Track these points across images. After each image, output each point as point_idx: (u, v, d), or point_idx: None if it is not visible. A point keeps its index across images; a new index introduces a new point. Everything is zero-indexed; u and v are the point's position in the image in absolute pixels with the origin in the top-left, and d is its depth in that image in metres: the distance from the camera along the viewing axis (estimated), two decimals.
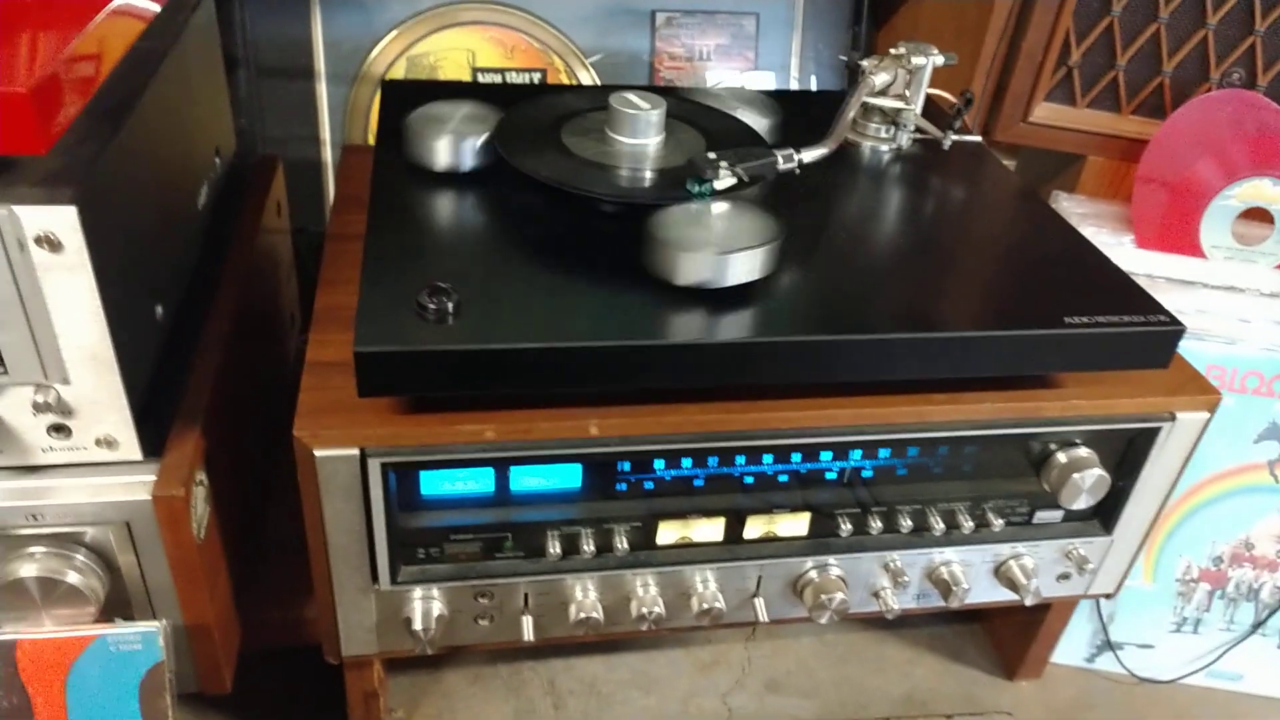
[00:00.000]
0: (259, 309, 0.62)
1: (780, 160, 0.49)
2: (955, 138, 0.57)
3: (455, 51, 0.87)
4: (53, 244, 0.36)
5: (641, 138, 0.51)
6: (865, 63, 0.59)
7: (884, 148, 0.60)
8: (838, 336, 0.43)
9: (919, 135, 0.59)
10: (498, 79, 0.88)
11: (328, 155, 0.87)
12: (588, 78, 0.89)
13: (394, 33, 0.85)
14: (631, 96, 0.51)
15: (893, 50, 0.58)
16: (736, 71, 0.92)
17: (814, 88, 0.93)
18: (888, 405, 0.47)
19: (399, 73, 0.86)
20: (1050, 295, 0.47)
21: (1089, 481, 0.49)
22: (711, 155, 0.48)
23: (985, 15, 0.77)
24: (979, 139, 0.58)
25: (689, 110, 0.56)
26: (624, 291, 0.45)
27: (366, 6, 0.84)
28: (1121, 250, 0.76)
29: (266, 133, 0.85)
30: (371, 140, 0.87)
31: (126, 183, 0.42)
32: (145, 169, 0.46)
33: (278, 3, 0.83)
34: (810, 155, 0.50)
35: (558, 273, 0.46)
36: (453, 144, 0.50)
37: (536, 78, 0.88)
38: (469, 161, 0.51)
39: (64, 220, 0.36)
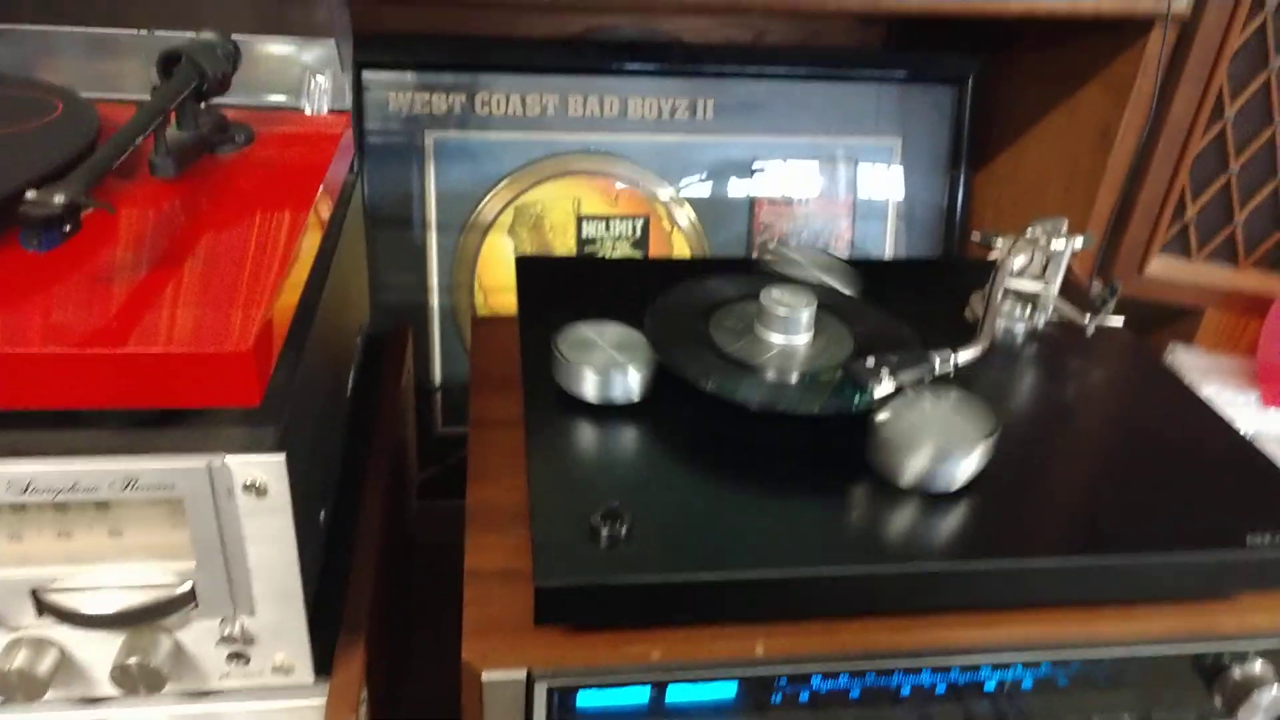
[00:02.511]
0: (396, 480, 0.63)
1: (937, 364, 0.48)
2: (1099, 322, 0.57)
3: (562, 200, 0.89)
4: (259, 490, 0.37)
5: (793, 335, 0.51)
6: (999, 242, 0.59)
7: (1019, 328, 0.59)
8: (1017, 563, 0.42)
9: (1059, 317, 0.59)
10: (602, 226, 0.90)
11: (434, 300, 0.89)
12: (685, 217, 0.91)
13: (503, 183, 0.88)
14: (781, 294, 0.52)
15: (1027, 232, 0.58)
16: (837, 215, 0.93)
17: (914, 230, 0.94)
18: (1055, 622, 0.46)
19: (507, 221, 0.88)
20: (1226, 507, 0.46)
21: (1266, 699, 0.47)
22: (870, 362, 0.48)
23: (1098, 168, 0.77)
24: (1120, 321, 0.57)
25: (830, 297, 0.57)
26: (799, 503, 0.44)
27: (478, 158, 0.87)
28: (1247, 409, 0.75)
29: (376, 280, 0.87)
30: (479, 291, 0.89)
31: (308, 404, 0.43)
32: (319, 381, 0.47)
33: (394, 157, 0.86)
34: (965, 356, 0.50)
35: (724, 486, 0.46)
36: (605, 383, 0.49)
37: (639, 224, 0.90)
38: (620, 397, 0.50)
39: (272, 467, 0.36)
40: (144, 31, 0.58)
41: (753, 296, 0.54)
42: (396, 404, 0.62)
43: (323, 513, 0.47)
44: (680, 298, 0.56)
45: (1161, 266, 0.78)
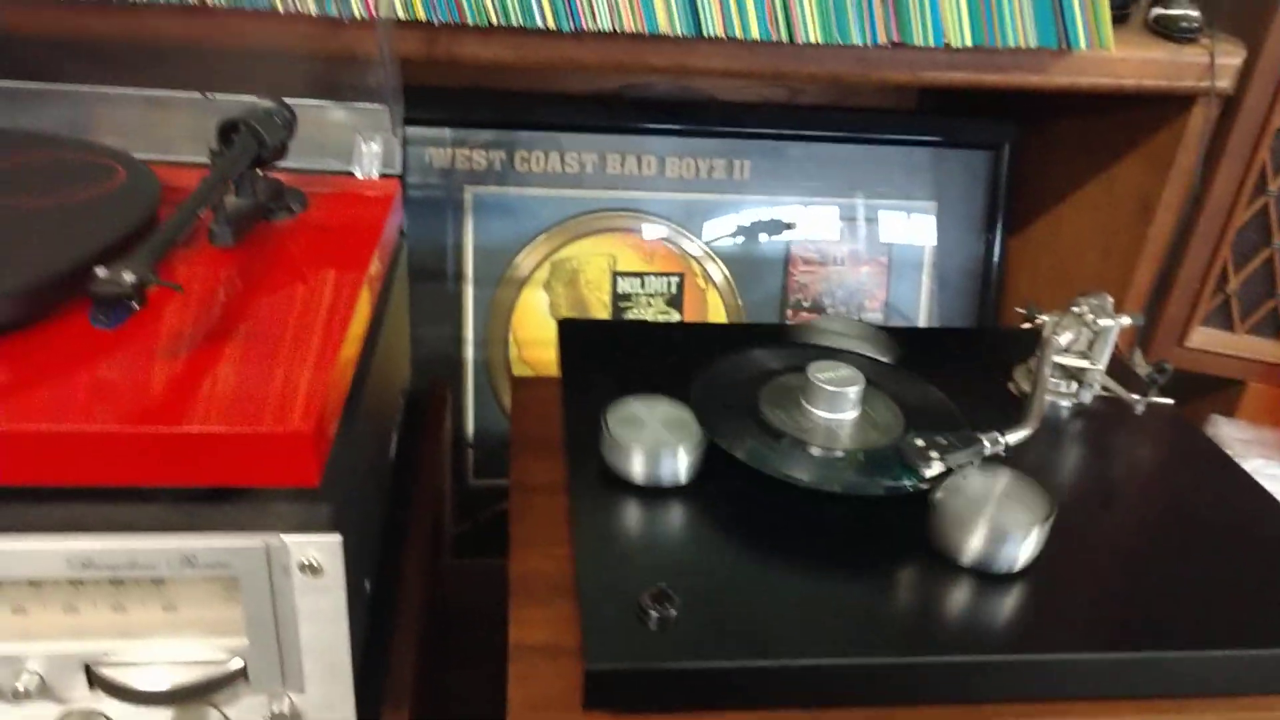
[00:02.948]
0: (433, 541, 0.62)
1: (987, 446, 0.48)
2: (1148, 400, 0.57)
3: (597, 256, 0.89)
4: (314, 570, 0.36)
5: (840, 412, 0.51)
6: (1045, 319, 0.59)
7: (1065, 403, 0.59)
8: (1070, 657, 0.42)
9: (1105, 394, 0.58)
10: (637, 282, 0.90)
11: (469, 353, 0.89)
12: (719, 275, 0.91)
13: (539, 239, 0.88)
14: (828, 371, 0.52)
15: (1073, 308, 0.58)
16: (871, 276, 0.93)
17: (949, 292, 0.94)
18: (1108, 715, 0.45)
19: (543, 276, 0.89)
20: None
21: None
22: (920, 443, 0.47)
23: (1138, 239, 0.77)
24: (1171, 401, 0.57)
25: (874, 371, 0.56)
26: (848, 585, 0.44)
27: (515, 214, 0.88)
28: None
29: (413, 332, 0.87)
30: (514, 344, 0.89)
31: (359, 477, 0.43)
32: (368, 451, 0.47)
33: (433, 211, 0.87)
34: (1014, 438, 0.49)
35: (773, 566, 0.45)
36: (654, 464, 0.49)
37: (674, 282, 0.90)
38: (669, 480, 0.50)
39: (327, 548, 0.36)
40: (201, 94, 0.59)
41: (798, 369, 0.54)
42: (437, 464, 0.62)
43: (367, 583, 0.47)
44: (726, 371, 0.56)
45: (1203, 338, 0.77)
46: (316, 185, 0.56)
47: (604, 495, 0.49)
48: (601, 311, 0.90)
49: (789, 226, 0.91)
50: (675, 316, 0.91)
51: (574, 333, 0.63)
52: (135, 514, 0.36)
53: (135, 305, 0.35)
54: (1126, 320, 0.57)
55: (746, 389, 0.54)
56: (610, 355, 0.61)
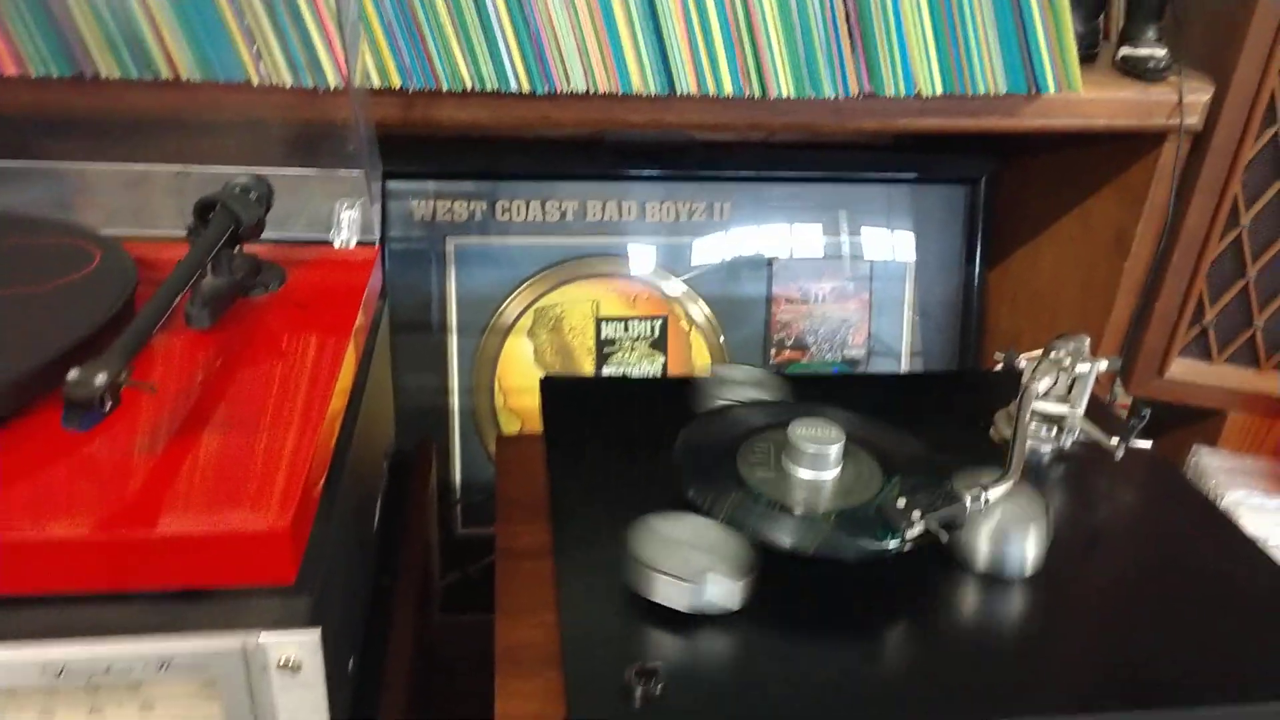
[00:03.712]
0: (421, 600, 0.62)
1: (969, 503, 0.48)
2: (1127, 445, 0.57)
3: (581, 302, 0.90)
4: (293, 668, 0.36)
5: (821, 471, 0.51)
6: (1023, 362, 0.59)
7: (1044, 448, 0.59)
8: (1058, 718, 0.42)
9: (1084, 438, 0.59)
10: (621, 327, 0.90)
11: (454, 402, 0.89)
12: (702, 316, 0.91)
13: (523, 287, 0.89)
14: (809, 429, 0.52)
15: (1051, 353, 0.59)
16: (853, 312, 0.93)
17: (930, 325, 0.94)
18: None
19: (527, 323, 0.89)
20: (1276, 652, 0.45)
21: None
22: (901, 503, 0.48)
23: (1115, 272, 0.78)
24: (1149, 445, 0.57)
25: (855, 425, 0.57)
26: (834, 653, 0.44)
27: (498, 263, 0.88)
28: (1279, 515, 0.74)
29: (397, 383, 0.87)
30: (499, 393, 0.89)
31: (340, 561, 0.43)
32: (349, 528, 0.47)
33: (416, 262, 0.87)
34: (995, 493, 0.49)
35: (757, 634, 0.45)
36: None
37: (658, 325, 0.91)
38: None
39: (306, 644, 0.36)
40: (179, 167, 0.59)
41: (780, 426, 0.54)
42: (423, 523, 0.62)
43: (351, 661, 0.47)
44: (707, 430, 0.56)
45: (1182, 369, 0.78)
46: (295, 255, 0.56)
47: (590, 564, 0.49)
48: (586, 357, 0.90)
49: (770, 265, 0.92)
50: (659, 359, 0.91)
51: (556, 392, 0.63)
52: (109, 617, 0.35)
53: (108, 408, 0.35)
54: (1104, 365, 0.58)
55: (728, 449, 0.54)
56: (593, 412, 0.61)
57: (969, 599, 0.48)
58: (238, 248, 0.51)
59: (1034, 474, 0.58)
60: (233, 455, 0.38)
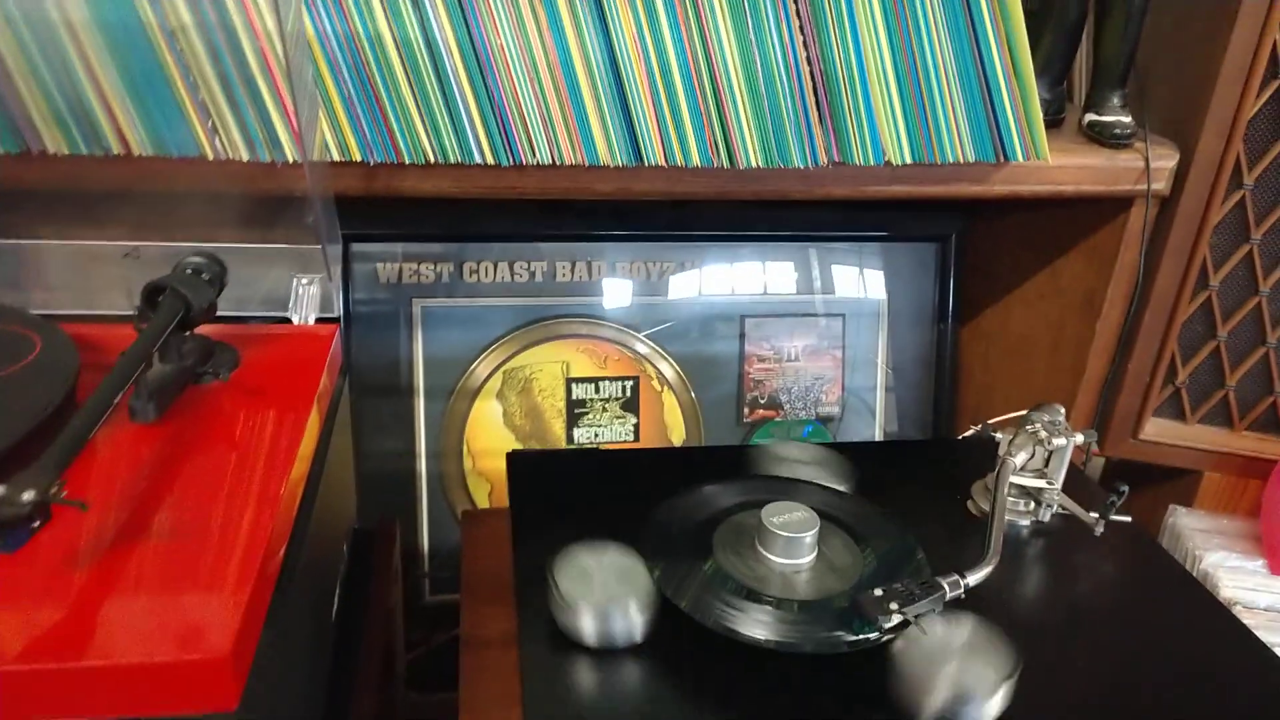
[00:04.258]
0: (383, 680, 0.59)
1: (948, 592, 0.47)
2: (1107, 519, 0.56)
3: (550, 364, 0.88)
4: None
5: (796, 559, 0.50)
6: (999, 436, 0.58)
7: (1024, 521, 0.58)
8: None
9: (1062, 511, 0.58)
10: (592, 388, 0.89)
11: (422, 467, 0.87)
12: (674, 376, 0.90)
13: (491, 349, 0.87)
14: (782, 516, 0.50)
15: (1027, 426, 0.58)
16: (827, 370, 0.93)
17: (904, 381, 0.94)
18: None
19: (495, 385, 0.87)
20: None
21: None
22: (878, 593, 0.46)
23: (1085, 333, 0.77)
24: (1129, 519, 0.56)
25: (829, 503, 0.55)
26: None
27: (465, 325, 0.87)
28: (1256, 577, 0.73)
29: (361, 448, 0.85)
30: (468, 456, 0.87)
31: (291, 669, 0.41)
32: (302, 630, 0.44)
33: (382, 325, 0.85)
34: (975, 578, 0.48)
35: None
36: (606, 624, 0.46)
37: (629, 385, 0.89)
38: (623, 640, 0.47)
39: None
40: (129, 245, 0.57)
41: (753, 505, 0.53)
42: (385, 606, 0.59)
43: None
44: (678, 510, 0.54)
45: (1156, 430, 0.77)
46: (251, 336, 0.54)
47: (555, 657, 0.47)
48: (556, 419, 0.88)
49: (742, 323, 0.91)
50: (631, 421, 0.89)
51: (524, 467, 0.61)
52: None
53: (37, 525, 0.33)
54: (1080, 439, 0.57)
55: (700, 531, 0.53)
56: (561, 488, 0.59)
57: None
58: (189, 332, 0.49)
59: (1013, 548, 0.57)
60: (172, 571, 0.36)
